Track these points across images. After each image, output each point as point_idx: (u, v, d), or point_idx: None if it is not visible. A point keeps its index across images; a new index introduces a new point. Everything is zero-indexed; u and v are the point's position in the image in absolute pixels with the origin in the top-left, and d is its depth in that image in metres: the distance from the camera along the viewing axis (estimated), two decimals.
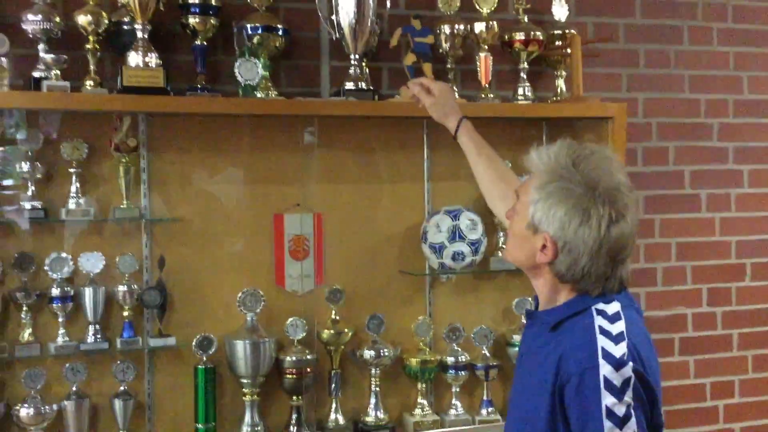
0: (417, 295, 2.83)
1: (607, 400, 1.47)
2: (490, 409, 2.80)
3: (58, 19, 2.39)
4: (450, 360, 2.76)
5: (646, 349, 1.56)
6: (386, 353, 2.70)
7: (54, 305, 2.42)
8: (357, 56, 2.63)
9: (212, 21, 2.55)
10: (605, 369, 1.48)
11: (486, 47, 2.76)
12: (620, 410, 1.47)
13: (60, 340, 2.42)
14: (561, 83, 2.92)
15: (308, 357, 2.62)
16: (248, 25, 2.56)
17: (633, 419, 1.47)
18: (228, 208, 2.65)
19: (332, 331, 2.67)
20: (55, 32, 2.40)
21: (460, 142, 2.17)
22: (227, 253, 2.65)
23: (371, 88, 2.64)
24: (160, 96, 2.37)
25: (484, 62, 2.74)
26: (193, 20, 2.52)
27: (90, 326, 2.45)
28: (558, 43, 2.88)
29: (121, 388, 2.46)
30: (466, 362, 2.78)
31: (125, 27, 2.47)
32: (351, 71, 2.62)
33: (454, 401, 2.79)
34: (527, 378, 1.66)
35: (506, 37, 2.81)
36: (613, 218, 1.53)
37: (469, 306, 2.86)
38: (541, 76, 2.96)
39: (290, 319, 2.63)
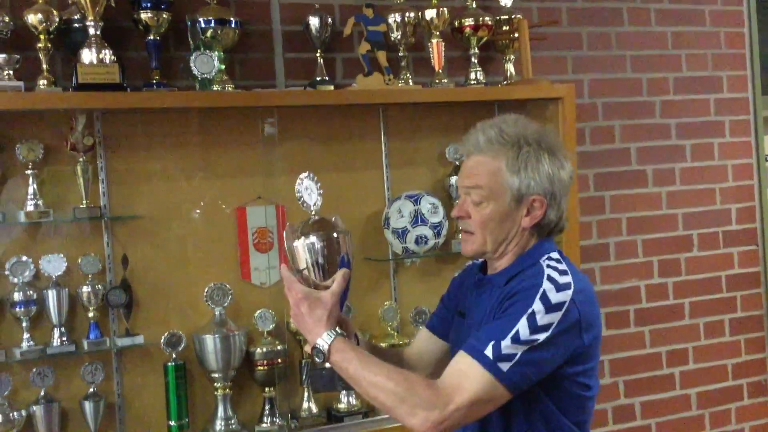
0: (382, 280, 2.87)
1: (537, 306, 1.59)
2: None
3: (7, 19, 2.35)
4: None
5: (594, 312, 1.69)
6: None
7: (17, 310, 2.37)
8: None
9: (164, 16, 2.53)
10: (547, 286, 1.62)
11: (437, 33, 2.81)
12: (541, 320, 1.58)
13: (25, 344, 2.37)
14: (510, 67, 2.99)
15: (278, 348, 2.63)
16: (201, 19, 2.56)
17: (546, 334, 1.57)
18: (189, 203, 2.64)
19: None
20: (5, 32, 2.36)
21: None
22: (191, 249, 2.64)
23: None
24: (117, 92, 2.35)
25: (436, 48, 2.79)
26: (145, 15, 2.50)
27: (55, 329, 2.42)
28: (505, 27, 2.95)
29: (91, 389, 2.43)
30: None
31: (76, 24, 2.44)
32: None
33: None
34: None
35: (456, 23, 2.86)
36: (564, 157, 1.74)
37: (433, 288, 2.89)
38: (491, 61, 3.03)
39: (258, 311, 2.63)
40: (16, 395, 2.37)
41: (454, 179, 2.80)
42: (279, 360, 2.63)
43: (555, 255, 1.74)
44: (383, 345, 2.76)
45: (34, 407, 2.36)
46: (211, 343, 2.53)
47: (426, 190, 2.83)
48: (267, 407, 2.63)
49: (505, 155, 1.69)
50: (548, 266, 1.69)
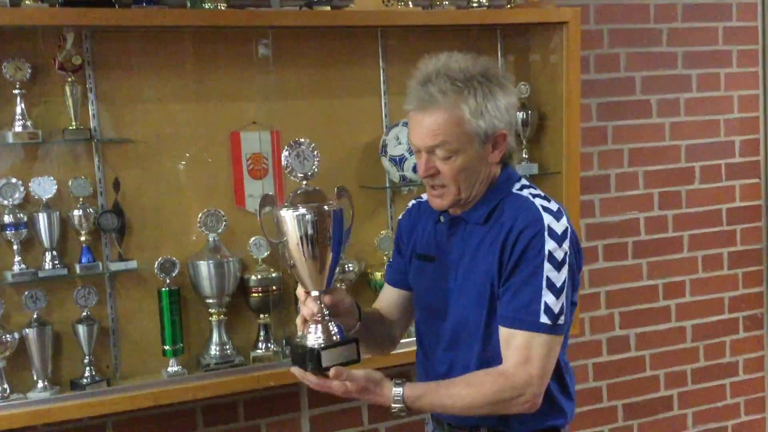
0: (379, 209, 2.83)
1: (550, 244, 1.65)
2: None
3: None
4: None
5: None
6: (351, 268, 2.70)
7: (7, 232, 2.34)
8: None
9: None
10: (547, 219, 1.68)
11: None
12: (559, 255, 1.66)
13: (16, 267, 2.35)
14: None
15: (273, 275, 2.61)
16: None
17: (567, 266, 1.66)
18: (182, 126, 2.57)
19: None
20: None
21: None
22: (184, 174, 2.58)
23: None
24: (105, 9, 2.27)
25: None
26: None
27: (47, 253, 2.38)
28: None
29: (84, 313, 2.41)
30: None
31: None
32: None
33: None
34: (472, 275, 1.74)
35: None
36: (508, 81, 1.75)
37: None
38: None
39: (253, 238, 2.60)
40: (9, 318, 2.35)
41: None
42: (273, 287, 2.61)
43: (525, 182, 1.80)
44: (379, 274, 2.75)
45: (27, 330, 2.34)
46: (205, 269, 2.51)
47: None
48: (262, 333, 2.62)
49: (465, 102, 1.65)
50: (532, 195, 1.73)
